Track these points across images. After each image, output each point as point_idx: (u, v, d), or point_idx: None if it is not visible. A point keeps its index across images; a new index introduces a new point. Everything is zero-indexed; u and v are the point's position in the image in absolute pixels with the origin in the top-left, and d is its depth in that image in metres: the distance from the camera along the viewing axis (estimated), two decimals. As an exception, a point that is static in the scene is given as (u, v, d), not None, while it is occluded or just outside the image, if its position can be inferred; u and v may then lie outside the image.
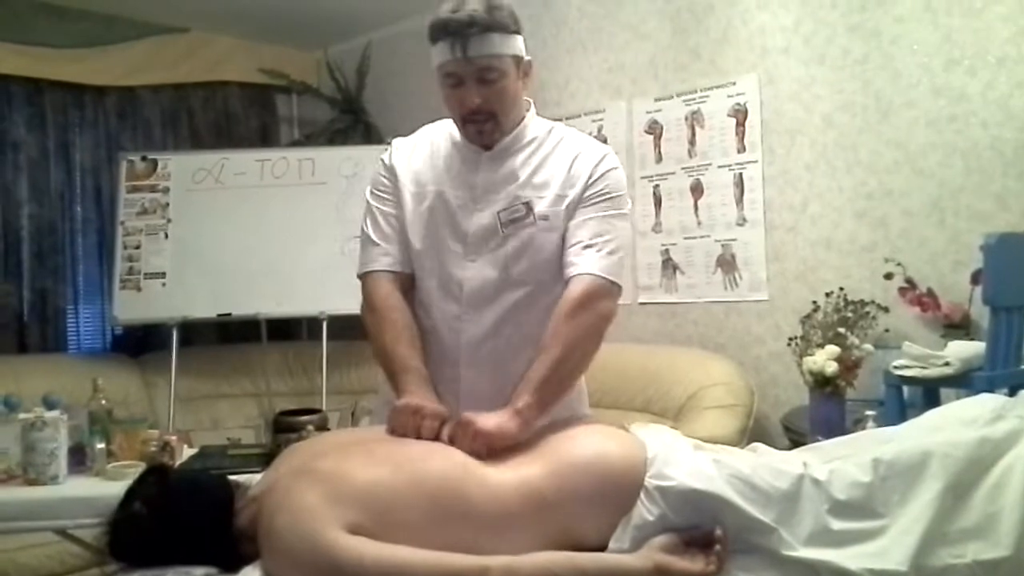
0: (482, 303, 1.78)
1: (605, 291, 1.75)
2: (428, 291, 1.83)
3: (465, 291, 1.78)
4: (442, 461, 1.51)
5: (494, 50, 1.71)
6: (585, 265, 1.74)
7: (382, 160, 1.93)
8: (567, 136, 1.90)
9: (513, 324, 1.78)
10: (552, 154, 1.84)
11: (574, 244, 1.76)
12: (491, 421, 1.58)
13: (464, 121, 1.78)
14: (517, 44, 1.76)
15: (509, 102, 1.78)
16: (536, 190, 1.79)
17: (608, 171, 1.82)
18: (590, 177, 1.80)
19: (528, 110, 1.88)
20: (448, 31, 1.70)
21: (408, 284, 1.85)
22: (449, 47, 1.70)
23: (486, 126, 1.78)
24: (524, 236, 1.77)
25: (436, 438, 1.59)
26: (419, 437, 1.59)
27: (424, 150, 1.90)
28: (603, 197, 1.80)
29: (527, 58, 1.80)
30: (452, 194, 1.82)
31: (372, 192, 1.92)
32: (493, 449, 1.55)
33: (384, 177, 1.90)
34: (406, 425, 1.60)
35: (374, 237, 1.87)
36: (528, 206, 1.78)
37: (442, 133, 1.91)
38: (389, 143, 1.96)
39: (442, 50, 1.72)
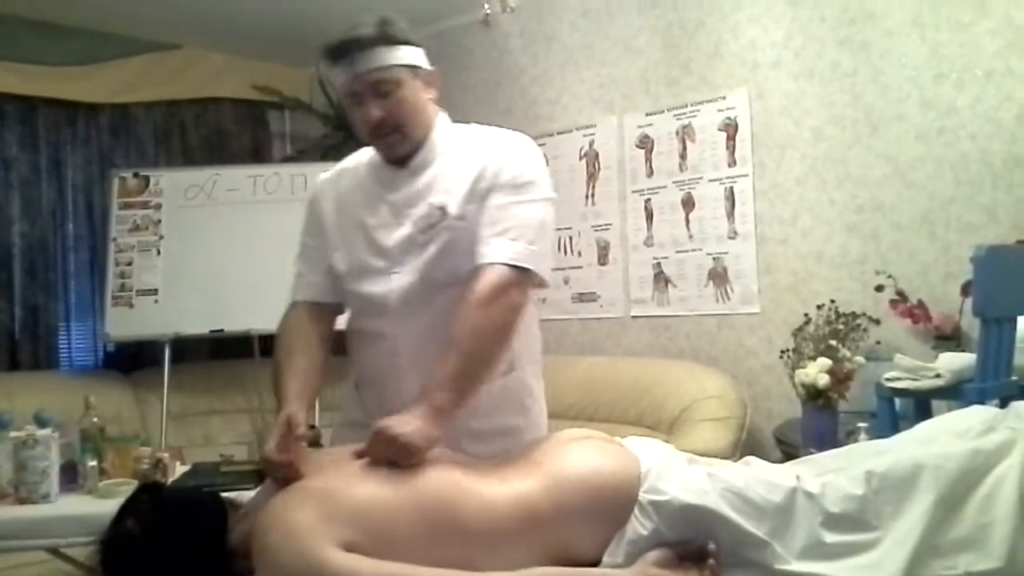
0: (410, 312, 1.75)
1: (515, 280, 1.68)
2: (359, 312, 1.85)
3: (392, 304, 1.76)
4: (436, 478, 1.50)
5: (382, 62, 1.73)
6: (493, 254, 1.69)
7: (310, 199, 1.96)
8: (481, 135, 1.87)
9: (446, 328, 1.67)
10: (463, 157, 1.81)
11: (482, 234, 1.71)
12: (409, 426, 1.53)
13: (372, 137, 1.80)
14: (410, 55, 1.77)
15: (410, 112, 1.78)
16: (450, 193, 1.76)
17: (513, 157, 1.79)
18: (499, 167, 1.76)
19: (439, 118, 1.87)
20: (338, 52, 1.75)
21: (328, 312, 1.91)
22: (342, 68, 1.75)
23: (392, 138, 1.78)
24: (442, 240, 1.74)
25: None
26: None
27: (345, 180, 1.92)
28: (509, 184, 1.75)
29: (427, 68, 1.81)
30: (370, 216, 1.82)
31: (304, 228, 1.97)
32: (415, 455, 1.51)
33: (312, 214, 1.94)
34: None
35: (301, 268, 1.95)
36: (442, 209, 1.75)
37: (361, 160, 1.93)
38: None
39: (338, 72, 1.77)
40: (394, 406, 1.64)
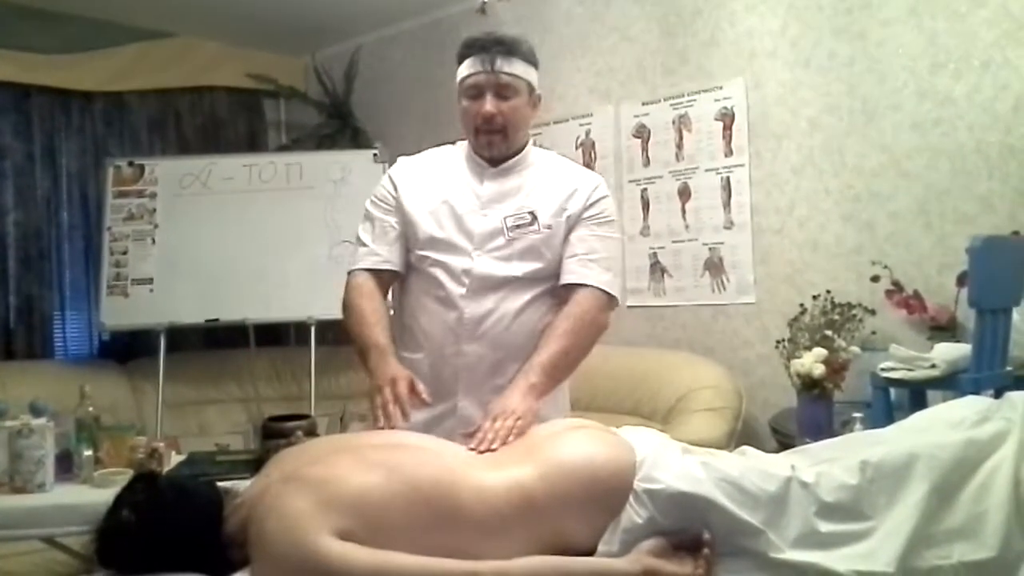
0: (484, 289, 1.98)
1: (606, 304, 2.01)
2: (434, 276, 2.02)
3: (471, 277, 1.98)
4: (433, 466, 1.51)
5: (515, 70, 1.99)
6: (590, 277, 1.99)
7: (388, 174, 2.14)
8: (564, 162, 2.17)
9: (508, 309, 1.98)
10: (551, 175, 2.09)
11: (577, 255, 2.01)
12: (524, 404, 1.77)
13: (477, 131, 2.02)
14: (533, 74, 2.04)
15: (519, 120, 2.03)
16: (539, 202, 2.03)
17: (605, 196, 2.09)
18: (589, 198, 2.05)
19: (530, 139, 2.13)
20: (477, 47, 1.98)
21: (390, 281, 2.09)
22: (477, 61, 1.98)
23: (495, 137, 2.01)
24: (528, 240, 2.00)
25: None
26: (387, 416, 1.73)
27: (429, 166, 2.13)
28: (602, 219, 2.05)
29: (538, 91, 2.07)
30: (458, 200, 2.04)
31: (372, 200, 2.13)
32: (531, 425, 1.71)
33: (386, 190, 2.11)
34: (384, 400, 1.76)
35: (364, 239, 2.10)
36: (533, 215, 2.01)
37: (448, 153, 2.15)
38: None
39: (469, 64, 2.00)
40: (451, 366, 1.98)
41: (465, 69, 2.01)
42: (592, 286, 1.98)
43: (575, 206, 2.04)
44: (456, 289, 1.98)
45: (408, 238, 2.06)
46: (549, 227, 2.01)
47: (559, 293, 2.03)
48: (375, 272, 2.06)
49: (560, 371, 1.94)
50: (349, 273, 2.09)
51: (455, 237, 2.01)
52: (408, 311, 2.09)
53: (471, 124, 2.03)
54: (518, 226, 2.01)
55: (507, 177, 2.06)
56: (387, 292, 2.09)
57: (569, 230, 2.03)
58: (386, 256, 2.06)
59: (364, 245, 2.09)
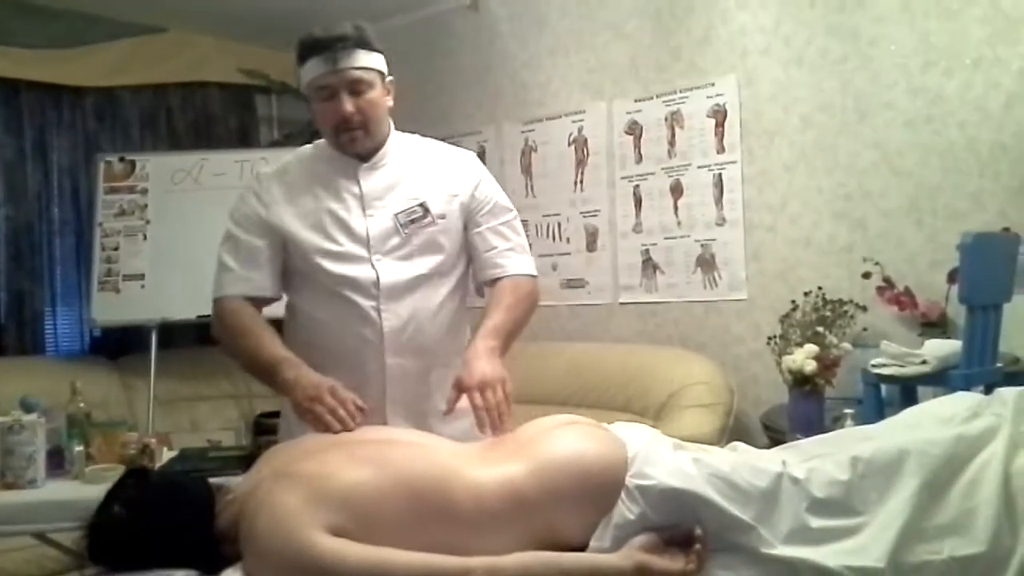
0: (397, 295, 1.91)
1: (535, 284, 2.05)
2: (338, 293, 1.91)
3: (381, 287, 1.90)
4: (424, 462, 1.51)
5: (362, 63, 1.89)
6: (516, 266, 2.01)
7: (253, 191, 2.01)
8: (430, 144, 2.11)
9: (425, 312, 1.94)
10: (425, 160, 2.04)
11: (495, 248, 2.01)
12: (487, 367, 1.76)
13: (337, 131, 1.93)
14: (381, 61, 1.95)
15: (379, 113, 1.95)
16: (425, 192, 1.98)
17: (485, 176, 2.08)
18: (473, 180, 2.04)
19: (390, 127, 2.04)
20: (319, 47, 1.88)
21: (261, 306, 1.99)
22: (321, 61, 1.88)
23: (357, 133, 1.93)
24: (426, 234, 1.95)
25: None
26: (340, 420, 1.65)
27: (294, 174, 2.02)
28: (497, 203, 2.05)
29: (389, 77, 1.98)
30: (338, 205, 1.95)
31: (234, 221, 2.01)
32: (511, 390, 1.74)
33: (250, 206, 1.99)
34: (330, 406, 1.67)
35: (231, 264, 1.98)
36: (424, 207, 1.96)
37: (309, 156, 2.06)
38: None
39: (314, 65, 1.89)
40: (376, 382, 1.88)
41: (311, 71, 1.89)
42: (522, 274, 2.01)
43: (463, 190, 2.01)
44: (367, 302, 1.89)
45: (291, 256, 1.96)
46: (443, 216, 1.97)
47: (480, 289, 2.05)
48: (247, 299, 1.96)
49: (510, 337, 1.91)
50: (215, 301, 1.99)
51: (348, 246, 1.92)
52: (306, 333, 1.97)
53: (329, 124, 1.93)
54: (412, 221, 1.94)
55: (383, 169, 1.99)
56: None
57: (467, 221, 2.01)
58: (258, 282, 1.96)
59: (229, 270, 1.97)
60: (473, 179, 2.03)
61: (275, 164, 2.08)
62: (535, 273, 2.06)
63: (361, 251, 1.92)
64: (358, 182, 1.97)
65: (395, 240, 1.93)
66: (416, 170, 2.00)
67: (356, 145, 1.95)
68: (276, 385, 1.80)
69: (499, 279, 2.00)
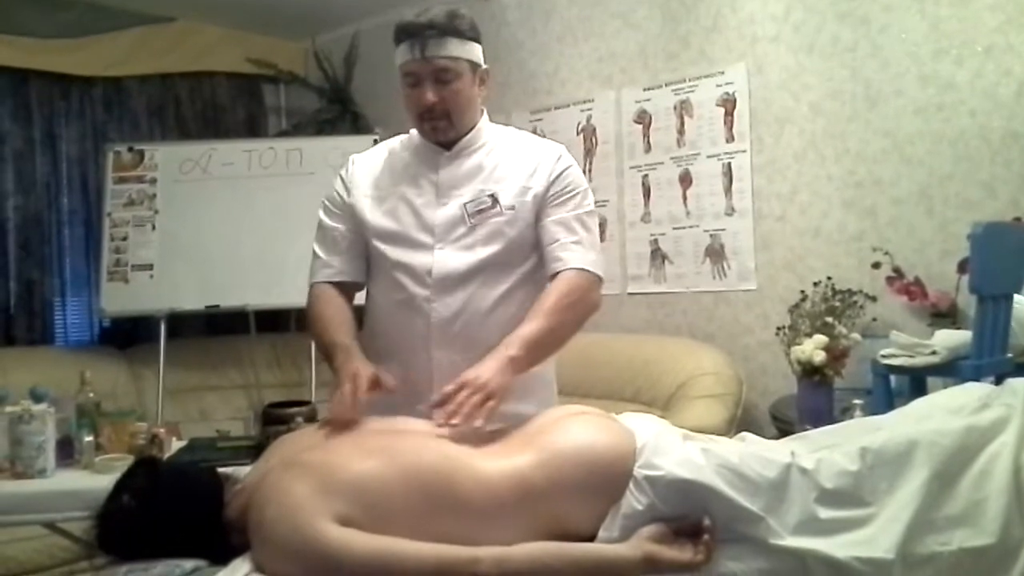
0: (450, 286, 1.87)
1: (595, 284, 1.90)
2: (394, 279, 1.91)
3: (433, 276, 1.86)
4: (433, 453, 1.51)
5: (450, 52, 1.85)
6: (576, 260, 1.87)
7: (340, 175, 2.04)
8: (520, 137, 2.05)
9: (479, 304, 1.88)
10: (509, 152, 1.97)
11: (557, 241, 1.89)
12: (489, 373, 1.66)
13: (420, 119, 1.91)
14: (474, 51, 1.91)
15: (463, 103, 1.91)
16: (499, 183, 1.92)
17: (569, 167, 1.97)
18: (552, 172, 1.94)
19: (482, 115, 2.01)
20: (408, 33, 1.84)
21: (351, 292, 1.99)
22: (409, 48, 1.84)
23: (440, 123, 1.89)
24: (492, 225, 1.89)
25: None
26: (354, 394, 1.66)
27: (382, 159, 2.02)
28: (573, 194, 1.94)
29: (484, 66, 1.95)
30: (414, 192, 1.93)
31: (323, 208, 2.03)
32: (498, 398, 1.63)
33: (337, 193, 2.02)
34: (345, 392, 1.67)
35: (318, 251, 2.00)
36: (494, 198, 1.90)
37: (400, 143, 2.04)
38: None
39: (403, 51, 1.86)
40: (424, 375, 1.85)
41: (400, 56, 1.88)
42: (580, 269, 1.87)
43: (538, 183, 1.92)
44: (419, 291, 1.87)
45: (366, 240, 1.96)
46: (512, 208, 1.90)
47: (542, 283, 1.92)
48: (334, 284, 1.96)
49: (543, 348, 1.81)
50: (310, 287, 1.99)
51: (413, 232, 1.90)
52: (373, 319, 1.99)
53: (413, 112, 1.91)
54: (480, 211, 1.89)
55: (464, 159, 1.95)
56: (350, 301, 1.99)
57: (538, 212, 1.92)
58: (339, 267, 1.97)
59: (318, 257, 2.00)
60: (552, 172, 1.94)
61: (367, 151, 2.08)
62: (598, 271, 1.91)
63: (427, 238, 1.89)
64: (437, 170, 1.94)
65: (461, 229, 1.89)
66: (498, 161, 1.95)
67: (438, 134, 1.92)
68: (333, 371, 1.82)
69: (557, 273, 1.88)
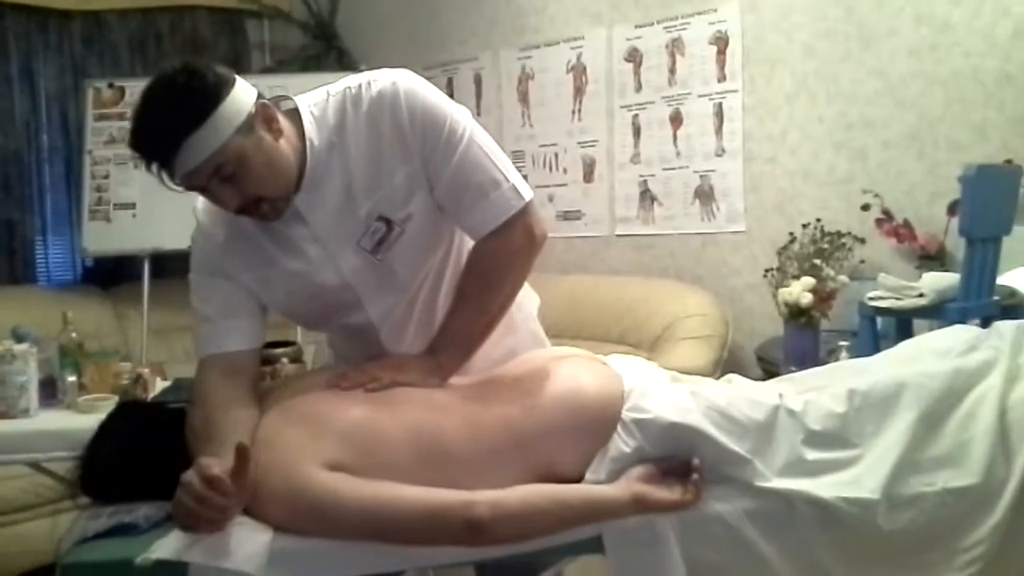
0: (396, 316, 1.65)
1: (516, 228, 1.59)
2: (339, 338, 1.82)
3: (375, 320, 1.64)
4: (422, 401, 1.50)
5: (206, 153, 1.42)
6: (485, 222, 1.58)
7: (196, 242, 1.65)
8: (350, 103, 1.57)
9: (429, 304, 1.69)
10: (353, 138, 1.56)
11: (459, 206, 1.58)
12: (413, 375, 1.55)
13: (241, 215, 1.53)
14: (232, 112, 1.44)
15: (267, 175, 1.48)
16: (378, 188, 1.56)
17: (417, 108, 1.54)
18: (400, 123, 1.53)
19: (297, 113, 1.59)
20: (150, 157, 1.45)
21: (251, 357, 1.63)
22: (157, 173, 1.46)
23: (262, 209, 1.52)
24: (399, 246, 1.58)
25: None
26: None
27: (226, 230, 1.62)
28: (436, 132, 1.54)
29: (252, 109, 1.47)
30: (301, 263, 1.58)
31: (194, 263, 1.65)
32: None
33: (205, 251, 1.64)
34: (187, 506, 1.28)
35: (206, 311, 1.61)
36: (385, 220, 1.56)
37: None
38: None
39: (159, 170, 1.47)
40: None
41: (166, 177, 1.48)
42: (487, 234, 1.58)
43: (406, 156, 1.54)
44: (366, 333, 1.65)
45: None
46: (410, 215, 1.56)
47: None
48: (234, 354, 1.58)
49: (481, 333, 1.62)
50: (200, 361, 1.59)
51: (331, 298, 1.61)
52: (339, 359, 1.86)
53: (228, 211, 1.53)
54: (379, 242, 1.56)
55: (321, 191, 1.55)
56: (255, 371, 1.65)
57: (430, 184, 1.57)
58: (241, 325, 1.60)
59: (208, 320, 1.59)
60: (400, 123, 1.53)
61: (203, 220, 1.64)
62: (513, 204, 1.57)
63: (349, 296, 1.60)
64: (304, 220, 1.56)
65: (377, 268, 1.59)
66: (355, 163, 1.55)
67: (270, 218, 1.54)
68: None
69: (479, 244, 1.62)
